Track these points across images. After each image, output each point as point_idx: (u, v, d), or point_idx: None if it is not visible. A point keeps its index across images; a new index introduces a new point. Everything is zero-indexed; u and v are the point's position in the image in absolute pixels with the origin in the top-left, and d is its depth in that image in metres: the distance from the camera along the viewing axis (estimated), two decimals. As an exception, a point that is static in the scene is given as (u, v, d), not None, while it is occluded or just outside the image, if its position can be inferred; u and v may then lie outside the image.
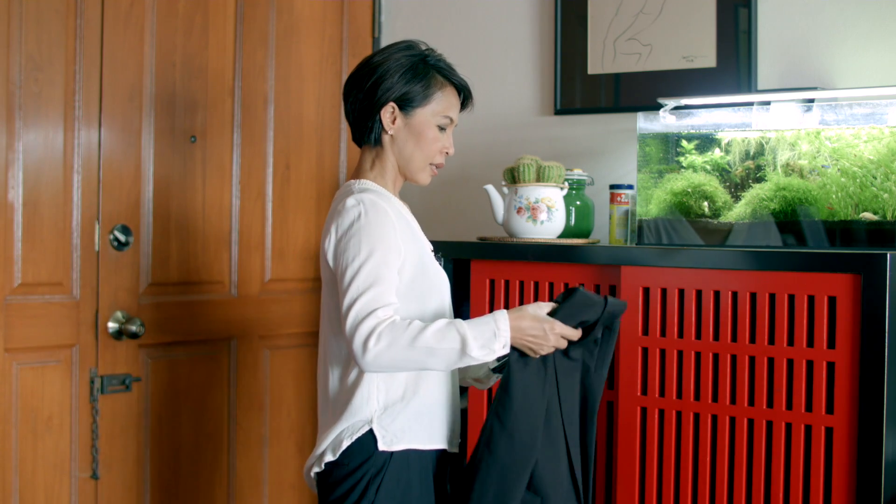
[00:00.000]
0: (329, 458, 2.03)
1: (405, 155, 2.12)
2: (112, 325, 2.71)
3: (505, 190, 2.77)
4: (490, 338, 1.94)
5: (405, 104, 2.10)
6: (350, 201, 2.02)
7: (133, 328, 2.72)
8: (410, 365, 1.93)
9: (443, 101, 2.12)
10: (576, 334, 2.03)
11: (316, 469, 2.07)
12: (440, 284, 2.12)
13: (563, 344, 2.02)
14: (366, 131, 2.14)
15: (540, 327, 1.98)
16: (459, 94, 2.17)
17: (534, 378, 2.04)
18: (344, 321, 1.93)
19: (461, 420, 2.20)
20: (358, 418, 2.02)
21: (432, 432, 2.07)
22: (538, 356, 2.02)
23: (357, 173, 2.16)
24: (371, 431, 2.01)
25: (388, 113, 2.11)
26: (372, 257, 1.97)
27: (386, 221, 2.01)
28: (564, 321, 2.00)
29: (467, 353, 1.92)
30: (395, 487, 2.00)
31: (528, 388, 2.03)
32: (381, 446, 2.00)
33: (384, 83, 2.10)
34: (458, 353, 1.92)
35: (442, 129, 2.13)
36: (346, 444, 2.01)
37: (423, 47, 2.16)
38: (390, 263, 1.99)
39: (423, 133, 2.11)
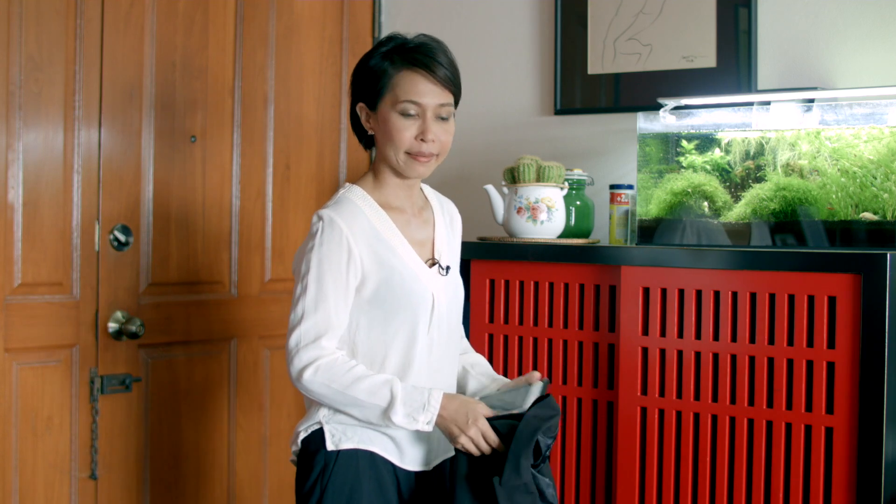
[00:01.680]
0: (294, 448, 2.11)
1: (383, 152, 2.07)
2: (112, 325, 2.71)
3: (505, 190, 2.77)
4: (418, 408, 1.97)
5: (371, 101, 2.06)
6: (314, 217, 2.04)
7: (133, 328, 2.71)
8: (335, 405, 2.01)
9: (399, 87, 2.02)
10: (494, 439, 1.98)
11: (291, 458, 2.15)
12: (414, 304, 2.05)
13: (482, 443, 1.98)
14: (357, 136, 2.15)
15: (464, 413, 1.99)
16: (431, 77, 2.02)
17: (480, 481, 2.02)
18: (287, 338, 2.01)
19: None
20: (315, 419, 2.07)
21: (386, 444, 2.06)
22: (457, 444, 1.99)
23: (360, 175, 2.17)
24: (322, 430, 2.05)
25: (362, 114, 2.10)
26: (320, 279, 2.00)
27: (339, 242, 2.00)
28: (491, 422, 1.99)
29: (389, 416, 1.97)
30: (343, 484, 2.02)
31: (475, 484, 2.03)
32: (329, 445, 2.04)
33: (355, 83, 2.10)
34: (381, 413, 1.98)
35: (405, 115, 2.02)
36: (301, 436, 2.08)
37: (405, 37, 2.06)
38: (339, 285, 2.00)
39: (387, 125, 2.03)
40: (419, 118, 2.02)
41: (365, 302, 2.04)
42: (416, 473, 2.11)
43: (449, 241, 2.19)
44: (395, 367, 2.05)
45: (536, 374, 2.10)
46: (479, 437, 1.98)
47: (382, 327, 2.04)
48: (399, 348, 2.05)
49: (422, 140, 2.02)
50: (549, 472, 2.06)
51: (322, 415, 2.05)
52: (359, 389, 1.97)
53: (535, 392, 2.05)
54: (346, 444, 2.03)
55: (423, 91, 2.01)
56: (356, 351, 2.05)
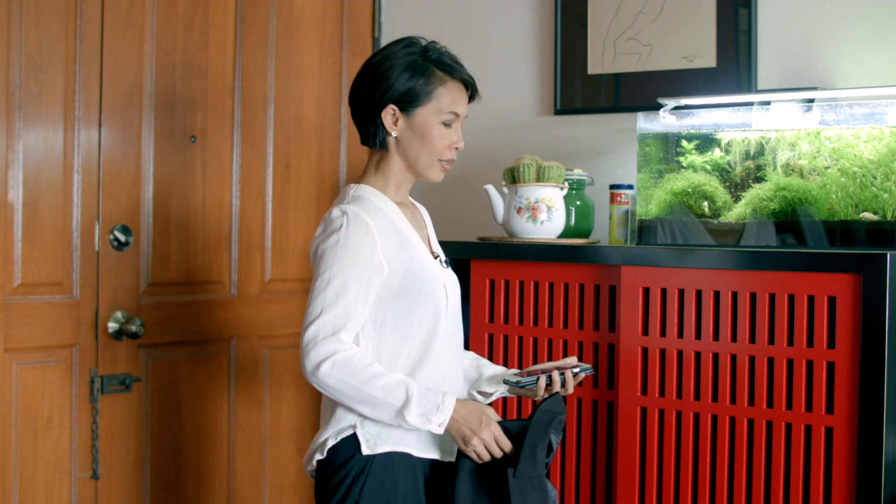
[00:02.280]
0: (319, 456, 2.07)
1: (411, 155, 2.10)
2: (112, 325, 2.71)
3: (505, 190, 2.77)
4: (432, 409, 1.98)
5: (405, 105, 2.07)
6: (335, 212, 2.04)
7: (133, 328, 2.71)
8: (347, 402, 2.00)
9: (445, 98, 2.08)
10: (506, 443, 2.00)
11: (309, 467, 2.12)
12: (435, 294, 2.08)
13: (494, 447, 1.99)
14: (369, 135, 2.12)
15: (478, 416, 2.00)
16: (466, 87, 2.12)
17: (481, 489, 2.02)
18: (303, 331, 1.99)
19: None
20: (344, 424, 2.05)
21: (420, 440, 2.06)
22: (468, 448, 2.00)
23: (360, 176, 2.17)
24: (355, 434, 2.03)
25: (388, 115, 2.08)
26: (342, 273, 1.99)
27: (365, 237, 2.01)
28: (503, 424, 2.00)
29: (403, 416, 1.97)
30: (378, 488, 2.02)
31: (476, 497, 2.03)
32: (365, 450, 2.02)
33: (382, 85, 2.07)
34: (395, 413, 1.97)
35: (447, 125, 2.09)
36: (331, 443, 2.05)
37: (424, 42, 2.11)
38: (362, 281, 2.00)
39: (427, 132, 2.08)
40: (451, 127, 2.10)
41: (390, 296, 2.05)
42: (441, 463, 2.11)
43: (436, 239, 2.26)
44: (418, 359, 2.06)
45: (572, 358, 2.16)
46: (491, 440, 1.99)
47: (407, 320, 2.06)
48: (423, 339, 2.07)
49: (455, 148, 2.11)
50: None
51: (354, 419, 2.04)
52: (375, 387, 1.96)
53: (579, 361, 2.08)
54: (382, 448, 2.03)
55: (463, 103, 2.12)
56: (381, 346, 2.06)
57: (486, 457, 2.00)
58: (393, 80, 2.07)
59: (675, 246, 2.53)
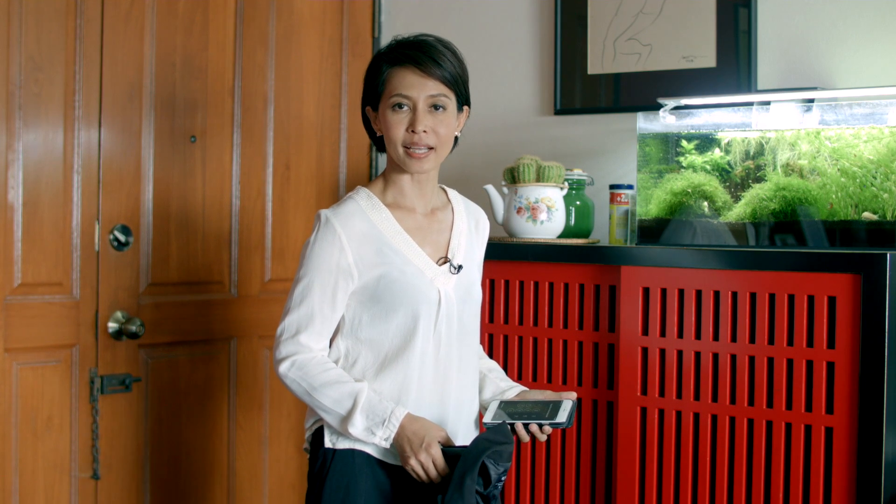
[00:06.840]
0: (307, 435, 2.16)
1: (388, 151, 2.11)
2: (112, 325, 2.71)
3: (505, 190, 2.77)
4: (378, 423, 2.00)
5: (374, 103, 2.11)
6: (316, 216, 2.08)
7: (133, 328, 2.71)
8: (303, 401, 2.08)
9: (390, 83, 2.06)
10: (443, 467, 1.98)
11: (305, 446, 2.20)
12: (413, 301, 2.05)
13: (431, 469, 1.98)
14: (374, 140, 2.17)
15: (421, 436, 1.99)
16: (416, 66, 2.04)
17: None
18: (278, 325, 2.09)
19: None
20: (316, 416, 2.11)
21: (384, 448, 2.06)
22: (407, 467, 2.00)
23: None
24: (322, 428, 2.10)
25: (371, 117, 2.14)
26: (308, 276, 2.05)
27: (332, 244, 2.04)
28: (445, 450, 1.99)
29: (346, 426, 2.01)
30: (339, 481, 2.05)
31: None
32: (327, 443, 2.07)
33: (363, 89, 2.15)
34: (340, 421, 2.02)
35: (398, 108, 2.05)
36: (308, 433, 2.14)
37: (394, 39, 2.12)
38: (326, 285, 2.04)
39: (385, 122, 2.07)
40: (411, 112, 2.05)
41: (367, 298, 2.06)
42: (404, 471, 2.09)
43: (469, 244, 2.20)
44: (395, 363, 2.06)
45: (573, 394, 2.12)
46: (428, 462, 1.99)
47: (384, 323, 2.06)
48: (400, 343, 2.06)
49: (412, 131, 2.04)
50: None
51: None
52: (324, 395, 2.02)
53: (567, 407, 2.05)
54: (343, 444, 2.06)
55: (411, 84, 2.04)
56: (352, 346, 2.09)
57: (424, 477, 2.00)
58: (365, 80, 2.13)
59: (675, 246, 2.53)
